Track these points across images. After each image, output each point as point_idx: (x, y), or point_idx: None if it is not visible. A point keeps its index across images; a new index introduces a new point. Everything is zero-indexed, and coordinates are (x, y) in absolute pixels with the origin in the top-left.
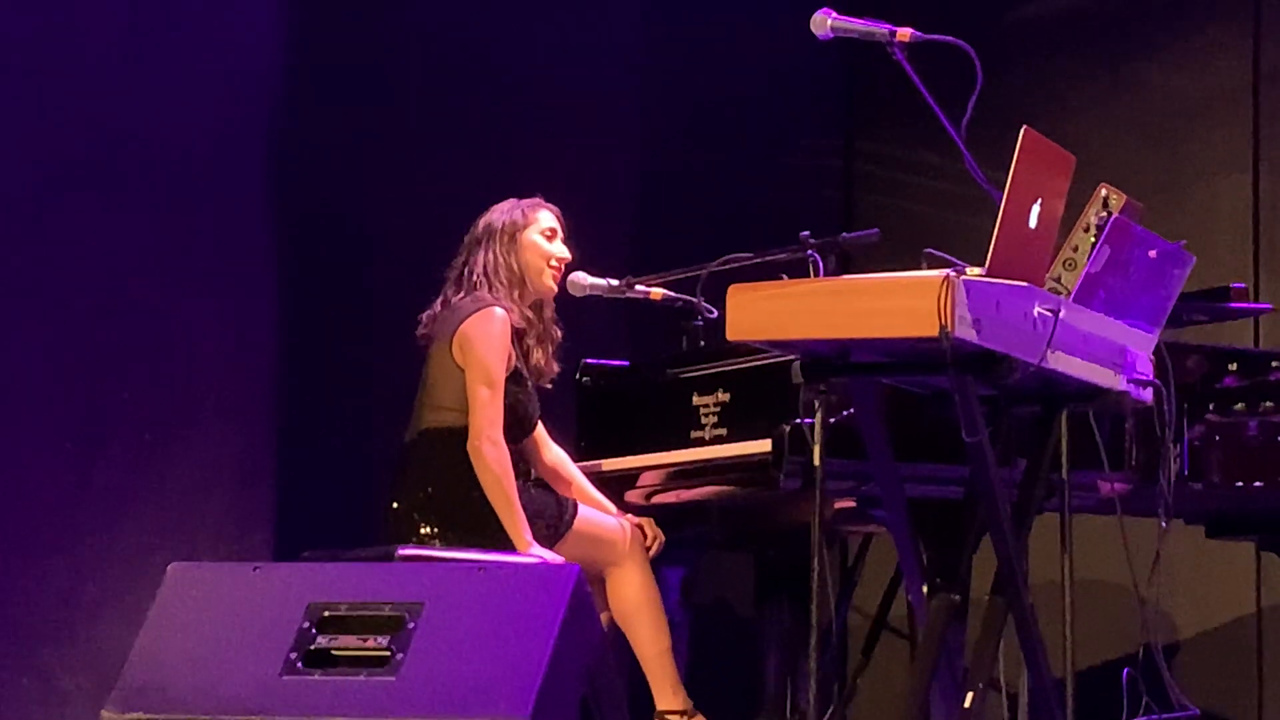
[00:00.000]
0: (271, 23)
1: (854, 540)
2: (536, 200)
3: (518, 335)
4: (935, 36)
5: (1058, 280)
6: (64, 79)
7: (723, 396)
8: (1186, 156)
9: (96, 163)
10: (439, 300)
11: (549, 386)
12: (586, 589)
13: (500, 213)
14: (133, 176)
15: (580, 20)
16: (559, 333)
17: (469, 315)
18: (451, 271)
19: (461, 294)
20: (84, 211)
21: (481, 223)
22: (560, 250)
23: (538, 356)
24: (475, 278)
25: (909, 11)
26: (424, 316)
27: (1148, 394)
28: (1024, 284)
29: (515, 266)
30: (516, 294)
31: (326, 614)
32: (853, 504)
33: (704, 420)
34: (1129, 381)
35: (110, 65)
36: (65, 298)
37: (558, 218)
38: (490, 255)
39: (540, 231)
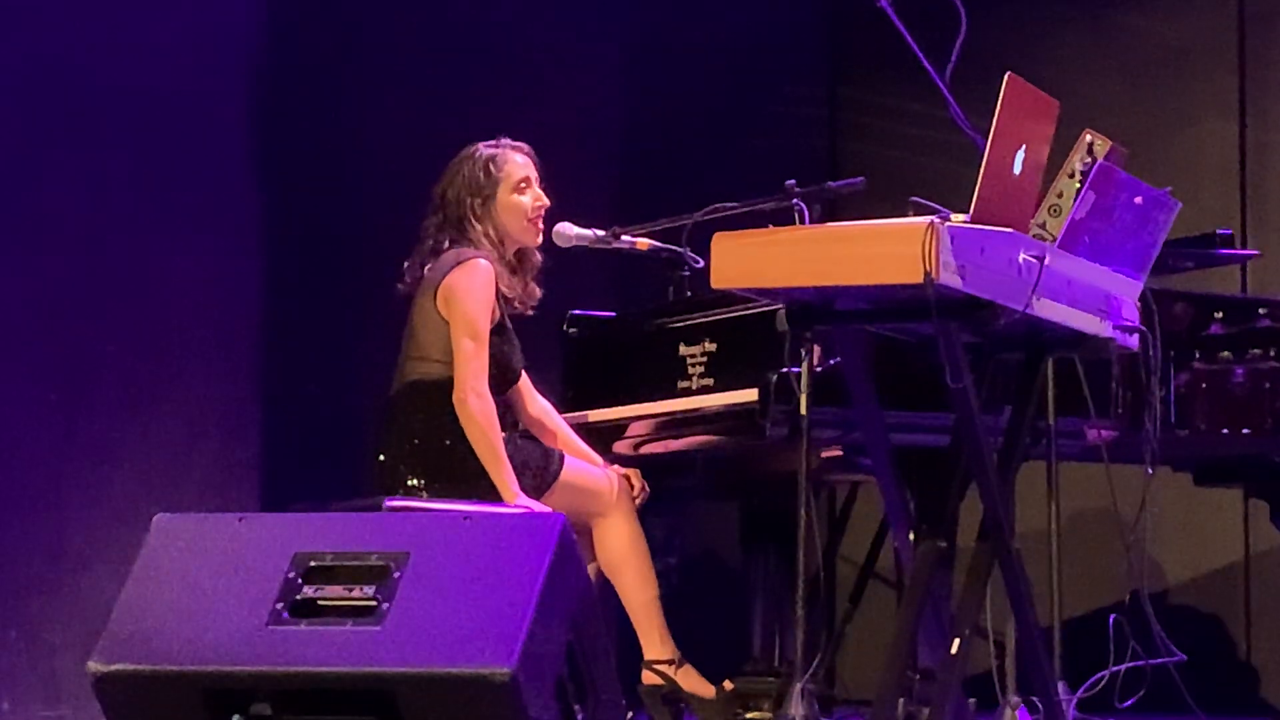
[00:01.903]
0: None
1: (841, 489)
2: (503, 147)
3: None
4: None
5: (1042, 226)
6: (42, 26)
7: (709, 346)
8: (1172, 102)
9: (78, 112)
10: (418, 257)
11: (531, 312)
12: (572, 538)
13: (468, 173)
14: (114, 126)
15: None
16: (539, 258)
17: (453, 267)
18: (426, 234)
19: (440, 254)
20: (65, 162)
21: (450, 185)
22: (537, 199)
23: (519, 287)
24: (453, 240)
25: None
26: (405, 271)
27: (1133, 340)
28: (1009, 230)
29: (493, 232)
30: (499, 254)
31: (312, 564)
32: (839, 452)
33: (691, 370)
34: (1114, 328)
35: (90, 10)
36: (48, 250)
37: (529, 157)
38: (468, 225)
39: (514, 188)
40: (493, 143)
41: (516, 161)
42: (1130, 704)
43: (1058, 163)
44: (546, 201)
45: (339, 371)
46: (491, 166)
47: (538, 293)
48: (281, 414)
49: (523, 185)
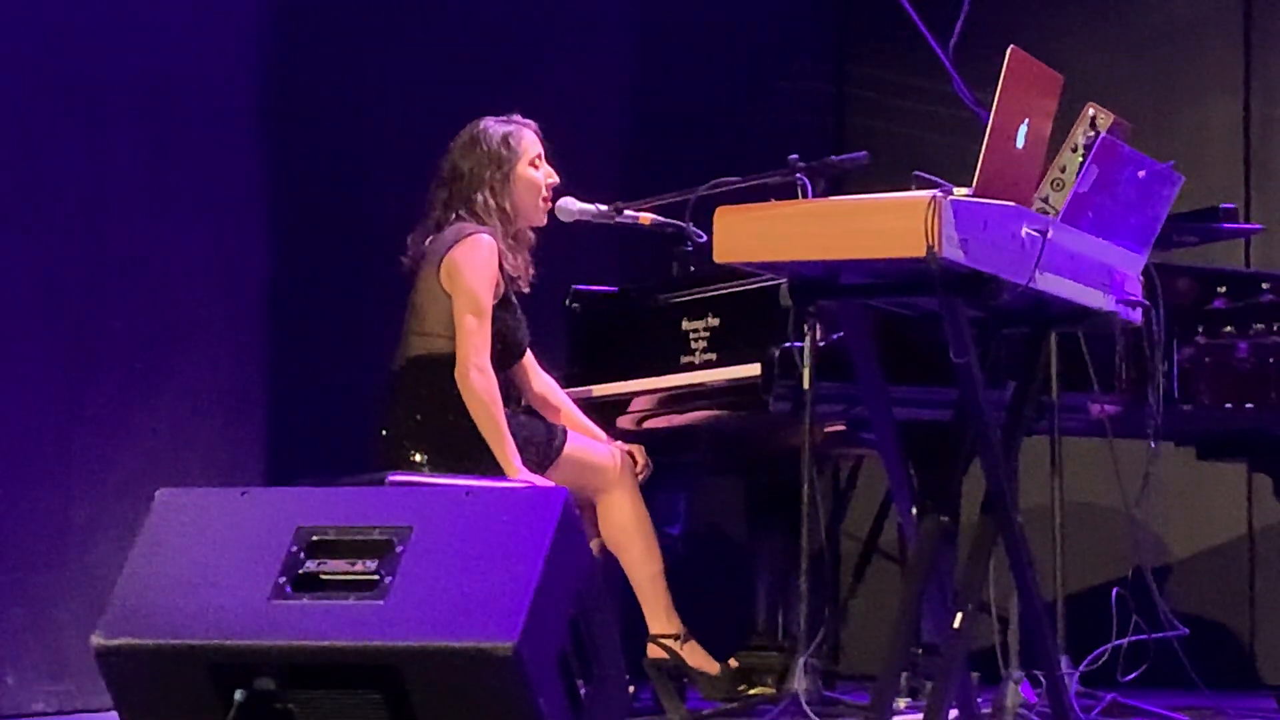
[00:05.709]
0: None
1: (845, 464)
2: (514, 122)
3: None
4: None
5: (1045, 201)
6: (47, 3)
7: (712, 321)
8: (1177, 77)
9: (83, 85)
10: (421, 231)
11: (527, 290)
12: (575, 512)
13: (484, 146)
14: (121, 105)
15: None
16: (531, 236)
17: (457, 242)
18: (432, 207)
19: (443, 228)
20: (71, 136)
21: (464, 158)
22: (549, 175)
23: (517, 265)
24: (459, 215)
25: None
26: (409, 248)
27: (1137, 315)
28: (1011, 204)
29: (508, 207)
30: (505, 229)
31: (315, 538)
32: (843, 427)
33: (694, 345)
34: (1118, 302)
35: None
36: (54, 224)
37: (537, 134)
38: (482, 197)
39: (530, 162)
40: (504, 118)
41: (530, 137)
42: (1133, 678)
43: (1061, 137)
44: (556, 178)
45: (343, 347)
46: (511, 140)
47: (531, 271)
48: (286, 389)
49: (536, 160)
